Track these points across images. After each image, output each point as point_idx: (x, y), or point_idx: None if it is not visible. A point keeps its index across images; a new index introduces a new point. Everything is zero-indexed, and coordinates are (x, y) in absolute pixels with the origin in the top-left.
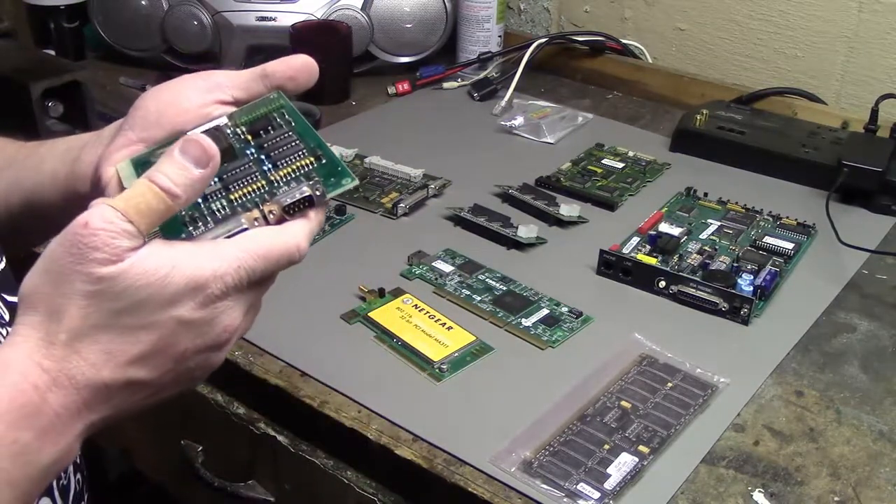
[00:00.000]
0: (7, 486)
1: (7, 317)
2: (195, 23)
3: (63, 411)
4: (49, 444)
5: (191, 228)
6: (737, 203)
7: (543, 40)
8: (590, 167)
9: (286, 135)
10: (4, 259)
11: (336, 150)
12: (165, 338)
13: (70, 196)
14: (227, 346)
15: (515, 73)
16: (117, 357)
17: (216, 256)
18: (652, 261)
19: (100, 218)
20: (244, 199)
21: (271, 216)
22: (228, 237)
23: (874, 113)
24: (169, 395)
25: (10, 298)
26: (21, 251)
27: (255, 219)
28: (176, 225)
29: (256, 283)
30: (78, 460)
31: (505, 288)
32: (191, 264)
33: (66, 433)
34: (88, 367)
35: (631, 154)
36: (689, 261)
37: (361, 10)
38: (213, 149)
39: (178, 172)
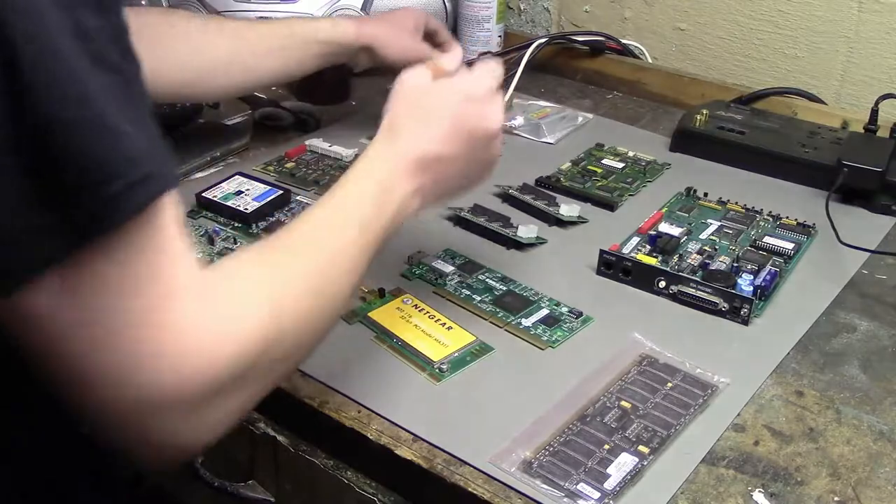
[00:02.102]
0: (393, 194)
1: None
2: None
3: (411, 165)
4: (406, 182)
5: None
6: (737, 203)
7: (543, 40)
8: (590, 167)
9: None
10: None
11: (336, 151)
12: (457, 117)
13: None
14: (496, 133)
15: (515, 73)
16: (425, 136)
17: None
18: (652, 261)
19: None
20: None
21: None
22: None
23: (874, 113)
24: (470, 180)
25: None
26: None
27: None
28: None
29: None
30: None
31: (505, 288)
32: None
33: (414, 180)
34: (405, 142)
35: (631, 154)
36: (689, 261)
37: (361, 10)
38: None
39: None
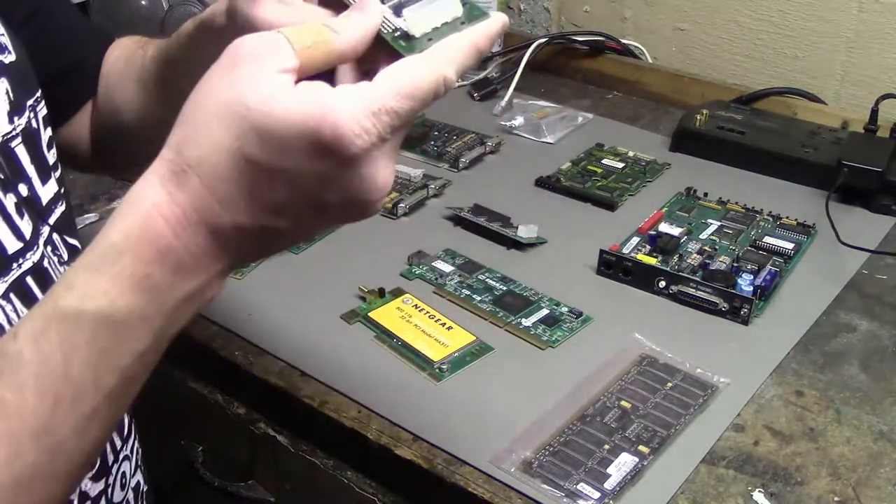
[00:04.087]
0: (140, 321)
1: (66, 256)
2: None
3: (196, 250)
4: (182, 280)
5: None
6: (737, 203)
7: (543, 40)
8: (590, 167)
9: None
10: (65, 202)
11: None
12: (305, 189)
13: (200, 32)
14: (377, 202)
15: (515, 73)
16: (253, 203)
17: (359, 103)
18: (652, 261)
19: (257, 36)
20: None
21: None
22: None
23: (874, 113)
24: (311, 237)
25: (68, 239)
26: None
27: None
28: None
29: (400, 127)
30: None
31: (505, 288)
32: (337, 112)
33: (200, 272)
34: (222, 208)
35: (631, 154)
36: (689, 261)
37: None
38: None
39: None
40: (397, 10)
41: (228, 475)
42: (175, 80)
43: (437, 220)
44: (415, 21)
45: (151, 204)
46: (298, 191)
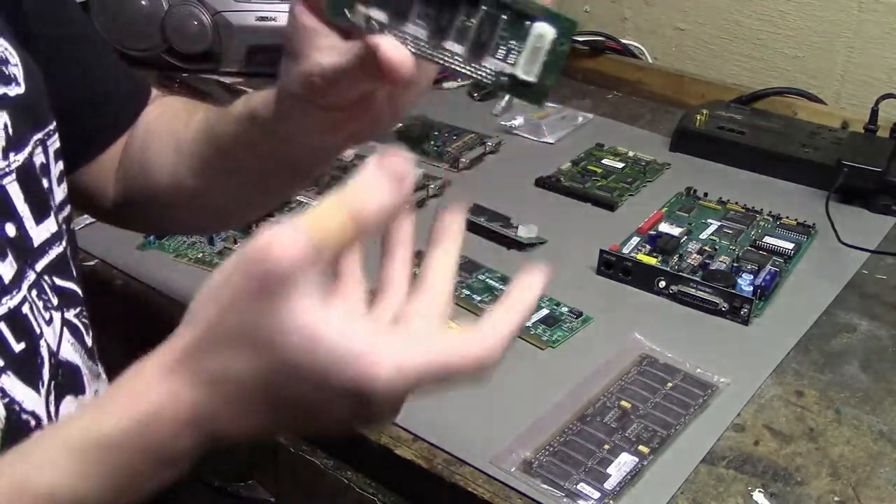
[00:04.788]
0: (111, 493)
1: (55, 301)
2: (195, 23)
3: (188, 446)
4: (163, 469)
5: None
6: (737, 203)
7: None
8: (590, 167)
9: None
10: (65, 242)
11: None
12: (309, 411)
13: (248, 120)
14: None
15: None
16: (262, 416)
17: (399, 364)
18: (652, 261)
19: (286, 258)
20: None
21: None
22: None
23: (874, 113)
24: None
25: (59, 283)
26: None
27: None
28: None
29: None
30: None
31: (505, 288)
32: (377, 368)
33: (185, 462)
34: (230, 421)
35: (631, 154)
36: (689, 261)
37: None
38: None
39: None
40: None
41: (228, 475)
42: (215, 159)
43: None
44: (522, 66)
45: (158, 404)
46: (306, 408)
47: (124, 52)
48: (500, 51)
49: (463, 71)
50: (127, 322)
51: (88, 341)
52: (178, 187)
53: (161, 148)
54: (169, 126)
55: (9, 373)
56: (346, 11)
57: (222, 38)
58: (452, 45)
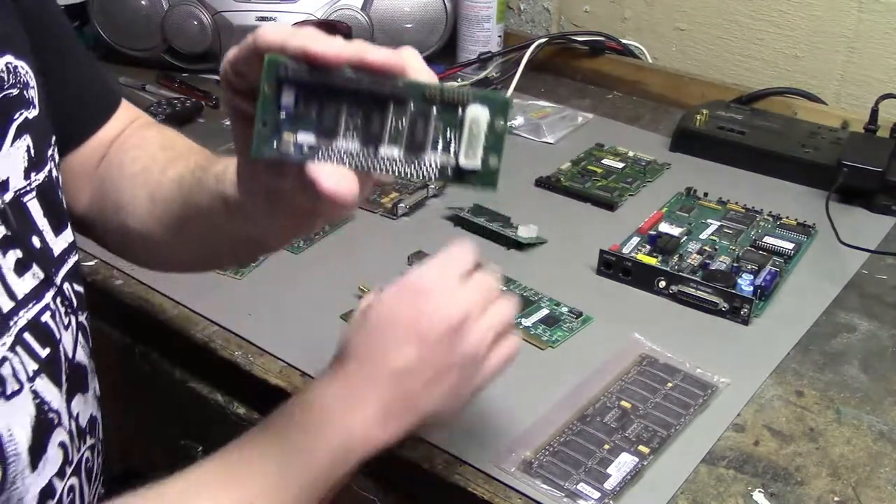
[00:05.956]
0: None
1: (74, 306)
2: (195, 23)
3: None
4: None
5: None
6: (737, 203)
7: (543, 40)
8: (590, 167)
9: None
10: (76, 250)
11: None
12: (407, 319)
13: (218, 198)
14: (455, 325)
15: (515, 73)
16: (375, 352)
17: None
18: (652, 261)
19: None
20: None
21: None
22: None
23: (874, 113)
24: (450, 389)
25: (76, 288)
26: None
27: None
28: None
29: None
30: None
31: (505, 288)
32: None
33: (350, 419)
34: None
35: (631, 154)
36: (689, 261)
37: (361, 10)
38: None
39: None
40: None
41: None
42: (188, 222)
43: (437, 220)
44: (464, 154)
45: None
46: (408, 323)
47: (124, 52)
48: (438, 145)
49: (406, 172)
50: (126, 322)
51: (90, 341)
52: (149, 236)
53: (136, 192)
54: (145, 171)
55: (42, 375)
56: (275, 144)
57: (222, 39)
58: (389, 150)
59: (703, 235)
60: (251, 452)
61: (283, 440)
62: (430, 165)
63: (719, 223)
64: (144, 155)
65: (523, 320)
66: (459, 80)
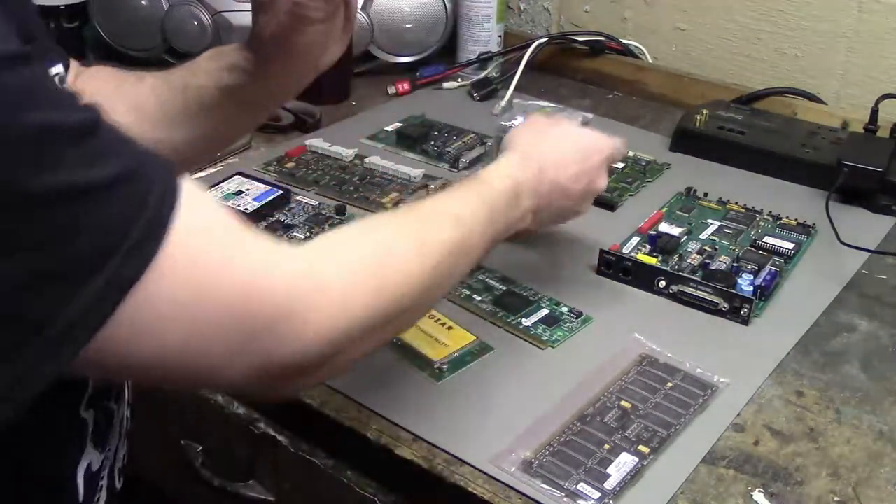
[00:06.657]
0: (502, 212)
1: None
2: (195, 23)
3: (526, 208)
4: (525, 199)
5: None
6: (737, 203)
7: (543, 40)
8: None
9: None
10: None
11: (336, 151)
12: (585, 161)
13: (223, 70)
14: (597, 194)
15: (515, 73)
16: (558, 163)
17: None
18: (652, 261)
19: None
20: None
21: None
22: None
23: (874, 113)
24: (555, 220)
25: None
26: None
27: None
28: None
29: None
30: (128, 398)
31: (505, 288)
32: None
33: (528, 198)
34: (537, 161)
35: (631, 154)
36: (689, 261)
37: (361, 10)
38: None
39: None
40: None
41: (228, 475)
42: (192, 105)
43: None
44: None
45: (511, 177)
46: (584, 166)
47: (124, 52)
48: None
49: None
50: None
51: None
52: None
53: (117, 107)
54: (119, 91)
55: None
56: None
57: (222, 39)
58: None
59: (703, 235)
60: (462, 193)
61: (476, 184)
62: None
63: (719, 223)
64: (109, 86)
65: (523, 320)
66: (459, 80)
